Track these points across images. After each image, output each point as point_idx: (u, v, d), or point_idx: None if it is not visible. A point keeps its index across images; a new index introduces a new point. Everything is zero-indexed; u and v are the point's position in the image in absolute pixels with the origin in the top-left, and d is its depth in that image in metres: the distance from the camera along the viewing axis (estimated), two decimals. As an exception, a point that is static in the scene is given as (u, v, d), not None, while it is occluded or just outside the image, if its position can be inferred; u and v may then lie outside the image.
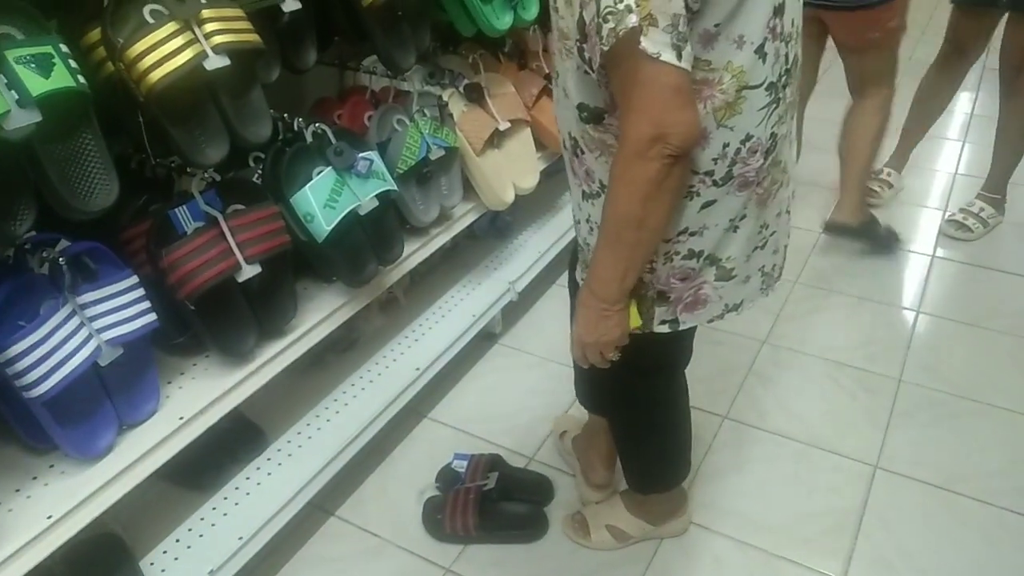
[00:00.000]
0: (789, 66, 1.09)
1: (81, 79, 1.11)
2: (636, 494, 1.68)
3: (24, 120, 1.04)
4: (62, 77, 1.09)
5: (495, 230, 2.42)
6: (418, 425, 2.05)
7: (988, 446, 1.93)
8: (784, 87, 1.09)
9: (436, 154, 1.84)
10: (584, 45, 0.99)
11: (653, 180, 0.99)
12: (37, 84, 1.05)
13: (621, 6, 0.90)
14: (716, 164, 1.08)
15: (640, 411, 1.54)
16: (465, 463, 1.80)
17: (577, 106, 1.10)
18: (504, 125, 2.05)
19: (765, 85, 1.05)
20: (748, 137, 1.08)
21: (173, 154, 1.37)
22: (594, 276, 1.15)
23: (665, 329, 1.26)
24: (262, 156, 1.60)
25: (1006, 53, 2.59)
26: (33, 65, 1.06)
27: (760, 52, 1.02)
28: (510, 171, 2.08)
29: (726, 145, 1.07)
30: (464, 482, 1.75)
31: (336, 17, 1.64)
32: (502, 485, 1.74)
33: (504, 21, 1.91)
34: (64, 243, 1.27)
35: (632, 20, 0.90)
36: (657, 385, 1.50)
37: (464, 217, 2.03)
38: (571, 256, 1.53)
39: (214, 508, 1.61)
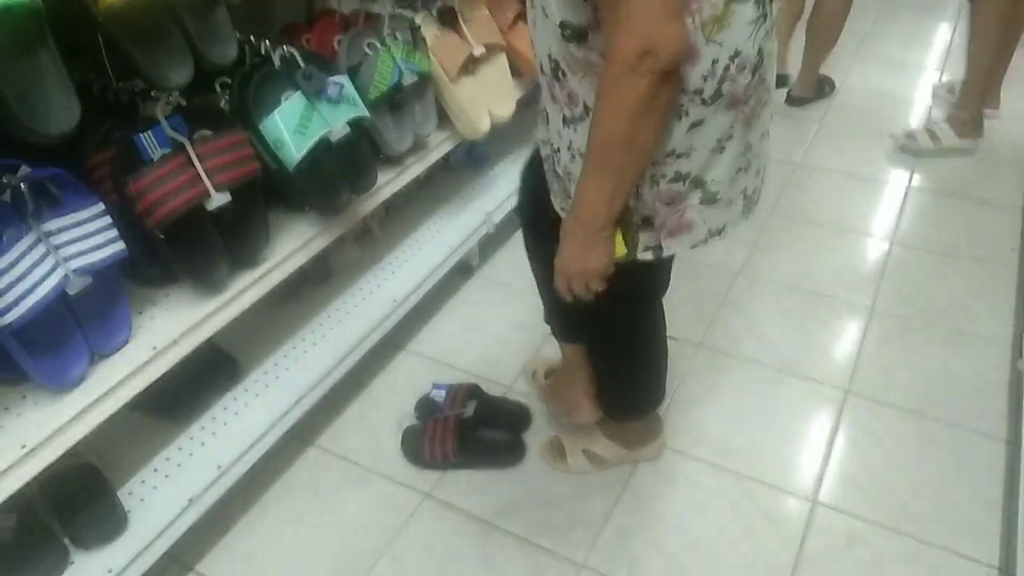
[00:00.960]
0: None
1: (33, -7, 1.06)
2: (612, 420, 1.70)
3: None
4: (13, -9, 1.04)
5: (471, 161, 2.39)
6: (396, 357, 2.05)
7: (958, 371, 1.97)
8: (771, 1, 1.07)
9: (409, 80, 1.79)
10: None
11: (642, 98, 0.96)
12: (-13, -3, 1.01)
13: None
14: (705, 82, 1.05)
15: (619, 339, 1.54)
16: (444, 392, 1.81)
17: (559, 24, 1.05)
18: (479, 50, 2.00)
19: (751, 2, 1.03)
20: (737, 53, 1.05)
21: (136, 77, 1.32)
22: (580, 202, 1.12)
23: (649, 256, 1.25)
24: (228, 81, 1.55)
25: None
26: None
27: None
28: (486, 98, 2.04)
29: (715, 61, 1.04)
30: (443, 411, 1.77)
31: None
32: (480, 413, 1.75)
33: (478, -59, 1.85)
34: (26, 169, 1.24)
35: None
36: (636, 313, 1.51)
37: (439, 146, 2.00)
38: (526, 192, 1.50)
39: (191, 438, 1.61)
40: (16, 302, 1.17)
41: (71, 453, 1.28)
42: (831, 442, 1.79)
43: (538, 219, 1.42)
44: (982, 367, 1.97)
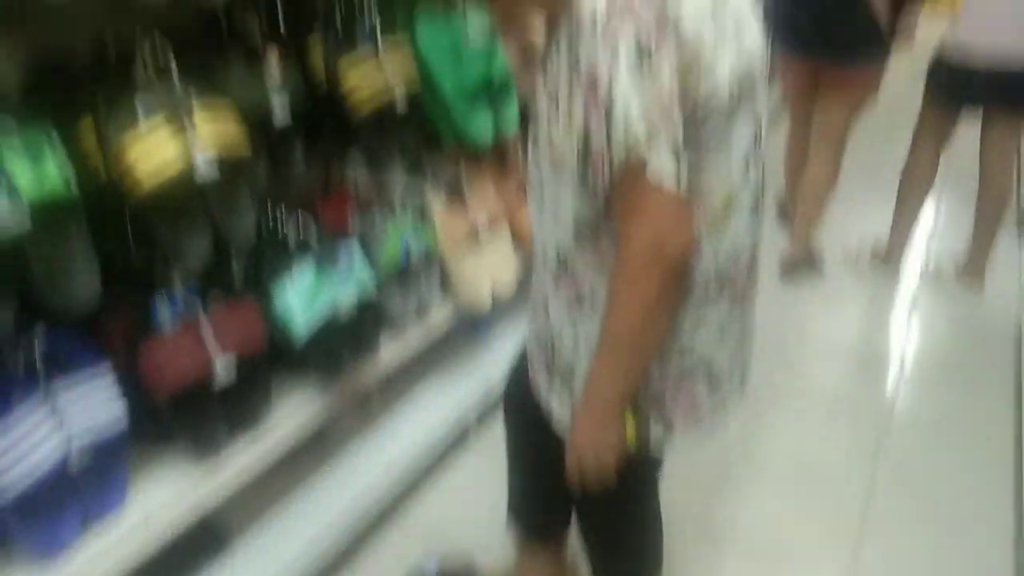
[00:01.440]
0: (762, 182, 1.15)
1: (72, 184, 1.14)
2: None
3: (9, 212, 1.07)
4: (54, 181, 1.12)
5: (472, 327, 2.44)
6: (387, 527, 2.01)
7: (961, 557, 1.93)
8: (761, 201, 1.16)
9: (415, 252, 1.88)
10: (588, 168, 1.02)
11: (656, 292, 1.03)
12: (30, 188, 1.08)
13: (632, 129, 0.95)
14: (709, 274, 1.12)
15: (619, 538, 1.52)
16: (434, 562, 1.77)
17: (572, 223, 1.12)
18: (483, 223, 2.10)
19: (748, 200, 1.12)
20: (735, 247, 1.13)
21: (157, 249, 1.38)
22: (590, 385, 1.15)
23: (660, 434, 1.26)
24: (242, 250, 1.62)
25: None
26: (26, 158, 1.09)
27: (744, 169, 1.09)
28: (488, 270, 2.12)
29: (717, 255, 1.12)
30: None
31: (325, 127, 1.70)
32: None
33: (485, 131, 1.99)
34: (43, 330, 1.27)
35: (642, 147, 0.95)
36: (636, 512, 1.49)
37: (442, 316, 2.06)
38: (513, 375, 1.51)
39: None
40: (19, 477, 1.18)
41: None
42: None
43: (524, 409, 1.42)
44: (984, 552, 1.94)
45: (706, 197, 1.08)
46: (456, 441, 2.22)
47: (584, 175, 1.04)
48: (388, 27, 1.73)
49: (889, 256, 3.33)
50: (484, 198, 2.16)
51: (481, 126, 1.98)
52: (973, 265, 3.18)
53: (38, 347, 1.24)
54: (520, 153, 2.38)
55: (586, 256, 1.14)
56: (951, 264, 3.28)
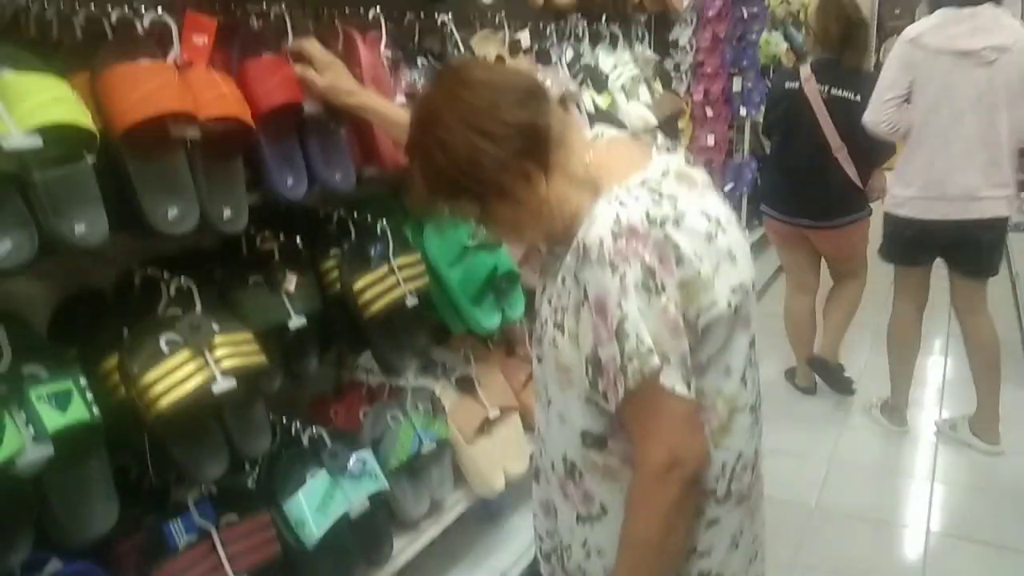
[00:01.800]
0: (759, 389, 1.19)
1: (96, 411, 1.19)
2: None
3: (36, 455, 1.11)
4: (78, 411, 1.17)
5: (486, 513, 2.41)
6: None
7: None
8: (759, 407, 1.19)
9: (428, 448, 1.89)
10: (600, 380, 1.05)
11: (673, 503, 1.05)
12: (54, 419, 1.13)
13: (643, 348, 0.99)
14: (718, 483, 1.14)
15: None
16: None
17: (580, 433, 1.14)
18: (494, 413, 2.12)
19: (748, 407, 1.15)
20: (740, 455, 1.16)
21: (172, 470, 1.41)
22: None
23: None
24: (257, 460, 1.64)
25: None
26: (52, 402, 1.14)
27: (743, 379, 1.13)
28: (500, 457, 2.13)
29: (724, 464, 1.14)
30: None
31: (337, 327, 1.76)
32: None
33: (492, 321, 2.06)
34: (56, 564, 1.27)
35: (655, 361, 1.00)
36: None
37: (454, 507, 2.04)
38: None
39: None
40: None
41: None
42: None
43: None
44: None
45: (711, 404, 1.11)
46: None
47: (593, 391, 1.07)
48: (398, 240, 1.84)
49: (894, 414, 3.32)
50: (494, 386, 2.20)
51: (489, 316, 2.04)
52: (983, 415, 3.14)
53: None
54: (527, 339, 2.45)
55: (595, 464, 1.15)
56: (963, 417, 3.24)
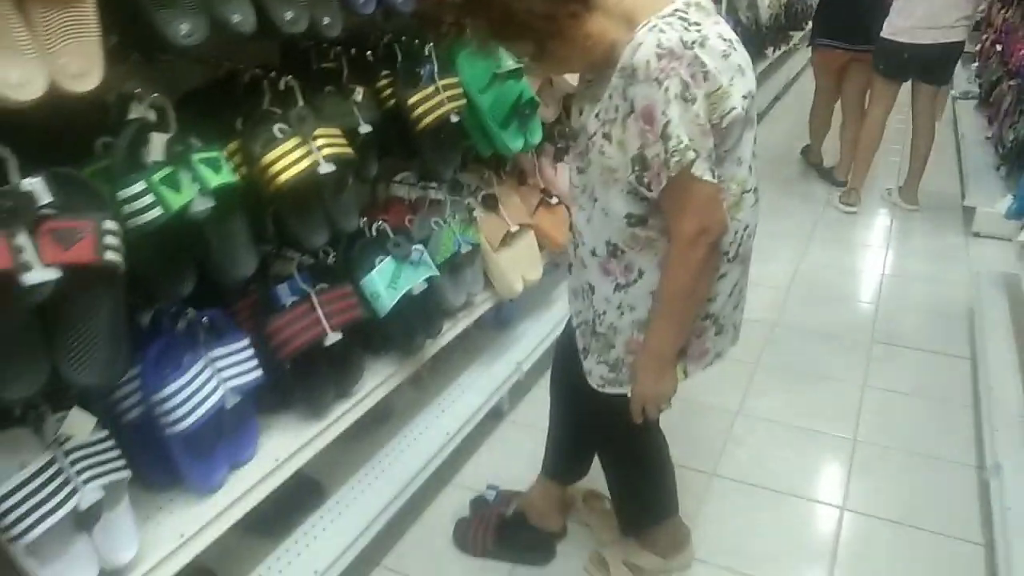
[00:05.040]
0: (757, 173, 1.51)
1: (237, 176, 1.46)
2: (642, 531, 1.97)
3: (203, 205, 1.38)
4: (227, 174, 1.44)
5: (498, 321, 2.77)
6: (444, 490, 2.31)
7: (934, 488, 2.28)
8: (759, 190, 1.51)
9: (465, 249, 2.21)
10: (645, 174, 1.33)
11: (702, 261, 1.38)
12: (213, 178, 1.40)
13: (682, 146, 1.27)
14: (731, 247, 1.48)
15: (638, 459, 1.87)
16: (495, 493, 2.15)
17: (625, 216, 1.43)
18: (514, 228, 2.43)
19: (753, 189, 1.48)
20: (747, 225, 1.49)
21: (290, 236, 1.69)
22: (653, 342, 1.49)
23: (683, 377, 1.60)
24: (329, 250, 1.93)
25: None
26: (209, 165, 1.41)
27: (750, 167, 1.45)
28: (519, 265, 2.45)
29: (736, 232, 1.47)
30: (491, 508, 2.10)
31: (392, 138, 2.03)
32: (519, 514, 2.06)
33: (517, 143, 2.34)
34: (192, 311, 1.57)
35: (691, 155, 1.28)
36: (647, 439, 1.83)
37: (483, 304, 2.39)
38: (560, 354, 1.85)
39: (287, 550, 1.84)
40: (192, 410, 1.47)
41: (192, 562, 1.51)
42: (834, 552, 2.07)
43: (568, 380, 1.77)
44: (953, 483, 2.30)
45: (727, 187, 1.42)
46: (491, 415, 2.53)
47: (638, 183, 1.35)
48: (440, 64, 2.08)
49: (851, 194, 4.60)
50: (512, 206, 2.50)
51: (515, 139, 2.32)
52: (909, 186, 4.52)
53: (198, 317, 1.54)
54: (537, 168, 2.74)
55: (637, 238, 1.46)
56: (896, 188, 4.63)
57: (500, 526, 2.05)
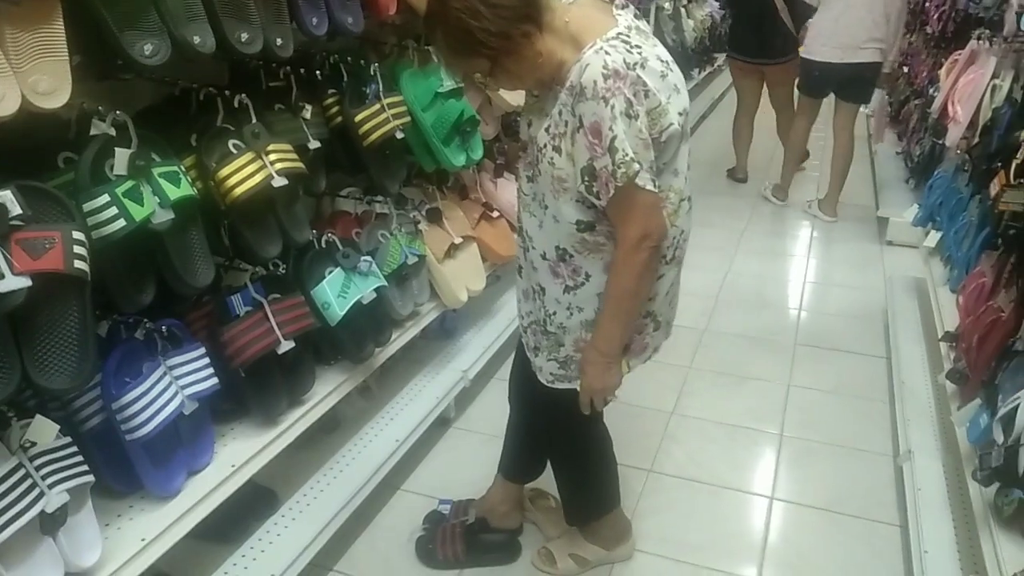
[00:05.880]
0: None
1: (195, 190, 1.52)
2: (586, 525, 2.07)
3: (163, 217, 1.43)
4: (186, 188, 1.50)
5: (443, 331, 2.85)
6: (393, 496, 2.37)
7: (855, 475, 2.45)
8: (692, 198, 1.64)
9: (412, 260, 2.29)
10: (594, 184, 1.44)
11: (645, 263, 1.50)
12: (172, 192, 1.45)
13: (627, 158, 1.38)
14: (668, 250, 1.60)
15: (585, 452, 1.97)
16: (449, 506, 2.16)
17: (575, 222, 1.53)
18: (458, 240, 2.53)
19: (688, 197, 1.61)
20: (683, 231, 1.63)
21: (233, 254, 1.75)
22: (601, 339, 1.60)
23: (626, 370, 1.72)
24: (279, 262, 1.99)
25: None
26: (168, 179, 1.46)
27: (686, 178, 1.58)
28: (463, 276, 2.55)
29: (674, 237, 1.60)
30: (449, 520, 2.11)
31: (339, 154, 2.10)
32: (480, 519, 2.12)
33: (459, 159, 2.44)
34: (147, 323, 1.61)
35: (635, 167, 1.40)
36: (593, 432, 1.94)
37: (428, 314, 2.47)
38: (519, 356, 1.93)
39: (243, 556, 1.88)
40: (151, 418, 1.51)
41: (152, 567, 1.54)
42: (765, 539, 2.21)
43: (524, 389, 1.89)
44: (871, 471, 2.48)
45: (666, 196, 1.55)
46: (437, 423, 2.60)
47: (588, 192, 1.46)
48: (385, 83, 2.17)
49: (779, 193, 5.13)
50: (455, 219, 2.60)
51: (457, 156, 2.42)
52: (828, 199, 4.82)
53: (155, 327, 1.59)
54: (478, 183, 2.84)
55: (585, 243, 1.57)
56: (816, 200, 4.94)
57: (466, 534, 2.10)
